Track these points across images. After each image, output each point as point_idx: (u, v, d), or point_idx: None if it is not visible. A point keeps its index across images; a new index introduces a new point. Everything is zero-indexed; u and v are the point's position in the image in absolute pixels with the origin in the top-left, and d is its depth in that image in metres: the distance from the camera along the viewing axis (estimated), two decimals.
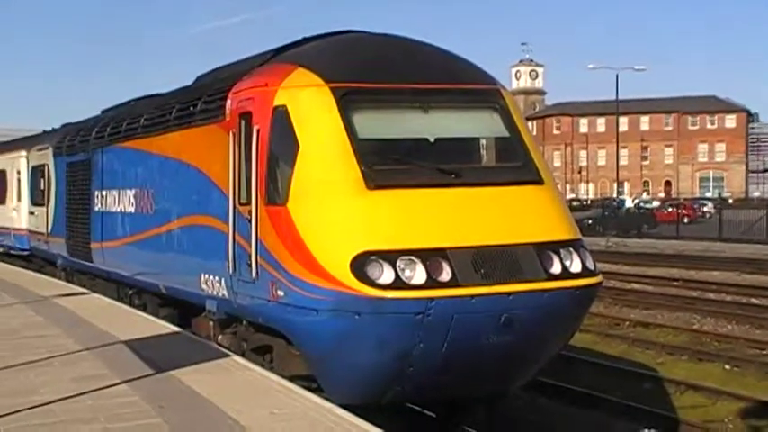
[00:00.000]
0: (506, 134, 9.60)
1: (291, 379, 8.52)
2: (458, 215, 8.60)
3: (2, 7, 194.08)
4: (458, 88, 9.63)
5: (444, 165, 8.92)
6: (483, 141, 9.70)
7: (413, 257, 8.08)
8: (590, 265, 8.92)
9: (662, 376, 13.14)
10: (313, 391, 8.18)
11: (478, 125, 9.68)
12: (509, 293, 8.22)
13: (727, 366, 14.00)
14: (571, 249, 8.87)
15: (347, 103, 8.87)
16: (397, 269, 8.00)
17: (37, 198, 21.26)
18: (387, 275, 7.98)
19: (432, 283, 8.04)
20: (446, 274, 8.11)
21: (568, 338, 9.80)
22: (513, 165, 9.47)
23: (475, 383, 9.00)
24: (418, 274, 8.04)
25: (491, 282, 8.21)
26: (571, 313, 9.05)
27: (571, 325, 9.42)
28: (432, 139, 9.21)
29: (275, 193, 8.94)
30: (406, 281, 8.00)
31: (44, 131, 24.06)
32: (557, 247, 8.79)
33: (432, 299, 7.95)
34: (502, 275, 8.29)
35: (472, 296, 8.08)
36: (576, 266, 8.76)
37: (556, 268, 8.63)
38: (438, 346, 8.12)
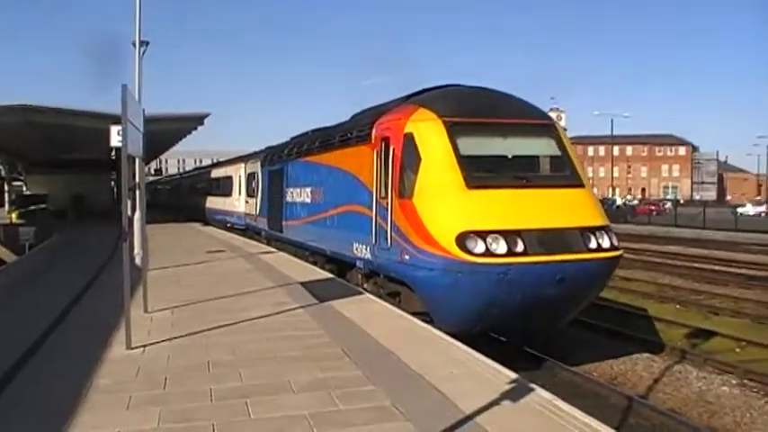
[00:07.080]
0: (559, 153, 9.00)
1: (413, 314, 7.99)
2: (527, 207, 8.06)
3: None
4: (526, 123, 9.05)
5: (518, 173, 8.42)
6: (543, 158, 9.03)
7: (498, 235, 7.62)
8: (615, 243, 8.32)
9: (637, 312, 12.90)
10: (427, 322, 7.67)
11: (540, 147, 9.02)
12: (562, 261, 7.76)
13: (678, 306, 13.70)
14: (603, 232, 8.29)
15: (453, 131, 8.43)
16: (487, 243, 7.57)
17: (250, 192, 21.56)
18: (480, 247, 7.55)
19: (510, 253, 7.57)
20: (520, 247, 7.64)
21: (598, 292, 9.08)
22: (564, 174, 8.85)
23: (536, 320, 8.47)
24: (501, 247, 7.58)
25: (550, 252, 7.72)
26: (601, 275, 8.45)
27: (601, 283, 8.77)
28: (509, 156, 8.66)
29: (404, 190, 8.55)
30: (492, 251, 7.56)
31: (254, 151, 24.24)
32: (593, 230, 8.22)
33: (510, 264, 7.51)
34: (557, 249, 7.80)
35: (537, 263, 7.63)
36: (605, 244, 8.18)
37: (593, 244, 8.08)
38: (514, 295, 7.63)
